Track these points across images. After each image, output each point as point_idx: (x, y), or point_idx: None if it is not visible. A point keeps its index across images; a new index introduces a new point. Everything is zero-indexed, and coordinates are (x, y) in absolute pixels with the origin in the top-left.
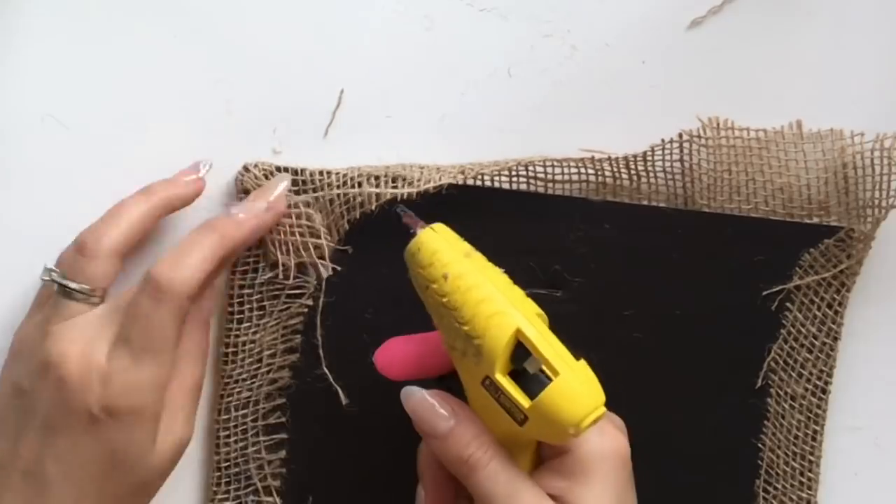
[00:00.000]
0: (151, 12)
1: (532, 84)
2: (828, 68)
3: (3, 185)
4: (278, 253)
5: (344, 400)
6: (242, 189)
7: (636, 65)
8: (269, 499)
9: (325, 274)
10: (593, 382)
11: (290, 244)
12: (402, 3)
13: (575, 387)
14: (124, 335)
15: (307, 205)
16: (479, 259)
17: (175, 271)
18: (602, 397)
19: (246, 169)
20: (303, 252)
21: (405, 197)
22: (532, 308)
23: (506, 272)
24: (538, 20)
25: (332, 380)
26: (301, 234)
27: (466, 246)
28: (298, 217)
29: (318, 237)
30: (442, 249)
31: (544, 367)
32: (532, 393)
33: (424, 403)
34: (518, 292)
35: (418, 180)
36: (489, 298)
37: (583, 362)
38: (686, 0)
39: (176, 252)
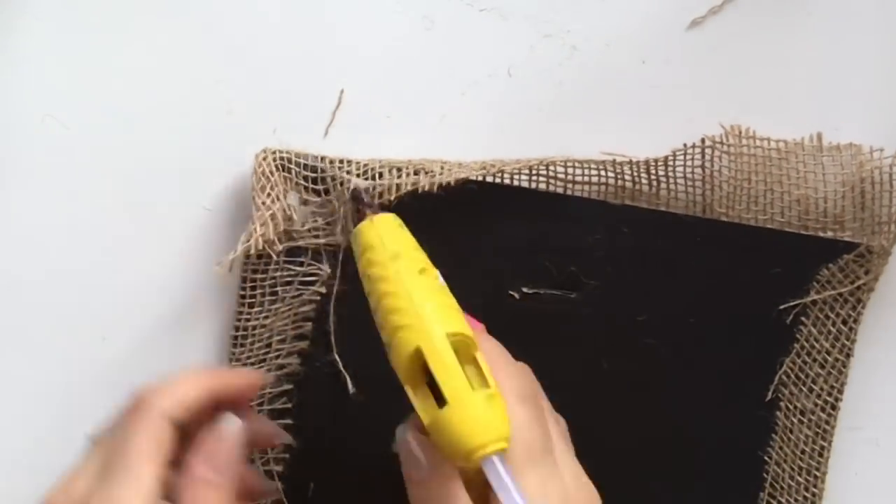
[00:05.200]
0: (151, 12)
1: (532, 84)
2: (828, 69)
3: (3, 185)
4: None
5: (351, 389)
6: (259, 170)
7: (636, 65)
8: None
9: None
10: (492, 415)
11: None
12: (402, 3)
13: (465, 418)
14: (102, 462)
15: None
16: (407, 261)
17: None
18: (504, 432)
19: (264, 151)
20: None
21: (426, 188)
22: (455, 324)
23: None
24: (538, 20)
25: (341, 367)
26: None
27: (399, 245)
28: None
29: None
30: (373, 246)
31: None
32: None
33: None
34: (445, 303)
35: (440, 173)
36: (399, 310)
37: (489, 392)
38: (686, 0)
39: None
